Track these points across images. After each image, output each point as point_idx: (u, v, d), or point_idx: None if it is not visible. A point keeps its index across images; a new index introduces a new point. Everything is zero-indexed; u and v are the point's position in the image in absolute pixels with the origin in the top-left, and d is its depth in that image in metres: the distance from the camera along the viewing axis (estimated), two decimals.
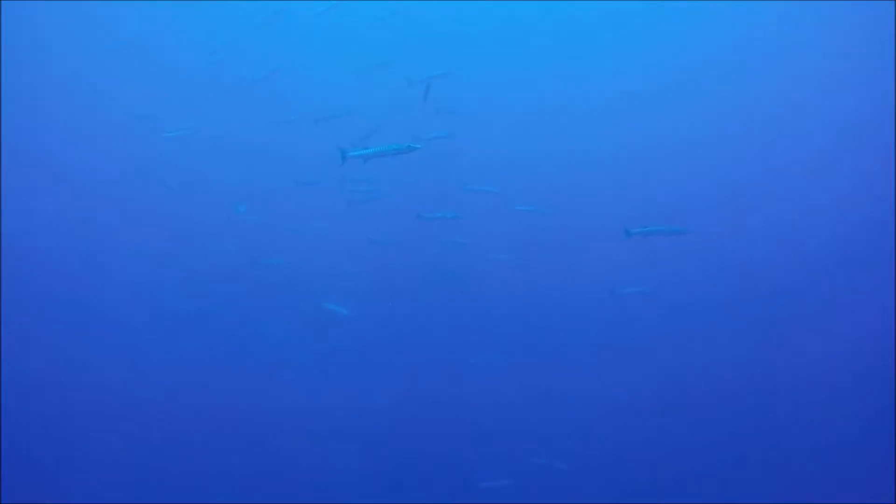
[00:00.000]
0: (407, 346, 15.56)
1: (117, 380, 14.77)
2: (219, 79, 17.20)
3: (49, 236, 16.82)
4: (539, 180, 17.16)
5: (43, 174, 17.14)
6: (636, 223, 10.55)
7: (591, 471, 13.18)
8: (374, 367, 15.26)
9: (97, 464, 13.20)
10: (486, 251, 15.40)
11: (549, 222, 14.27)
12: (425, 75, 13.25)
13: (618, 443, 13.79)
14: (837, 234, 16.32)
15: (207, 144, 17.10)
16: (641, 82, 18.53)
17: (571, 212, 16.02)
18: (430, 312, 15.75)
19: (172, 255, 16.82)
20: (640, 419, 14.16)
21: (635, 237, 10.46)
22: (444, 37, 18.46)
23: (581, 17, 19.12)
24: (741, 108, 17.68)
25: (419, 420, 14.47)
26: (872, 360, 13.82)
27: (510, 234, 15.72)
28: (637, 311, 15.23)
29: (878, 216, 15.33)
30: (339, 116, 14.53)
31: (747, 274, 16.03)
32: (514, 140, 18.18)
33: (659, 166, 17.66)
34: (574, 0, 18.61)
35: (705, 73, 18.08)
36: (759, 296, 15.65)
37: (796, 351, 14.77)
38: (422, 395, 14.79)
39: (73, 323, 15.63)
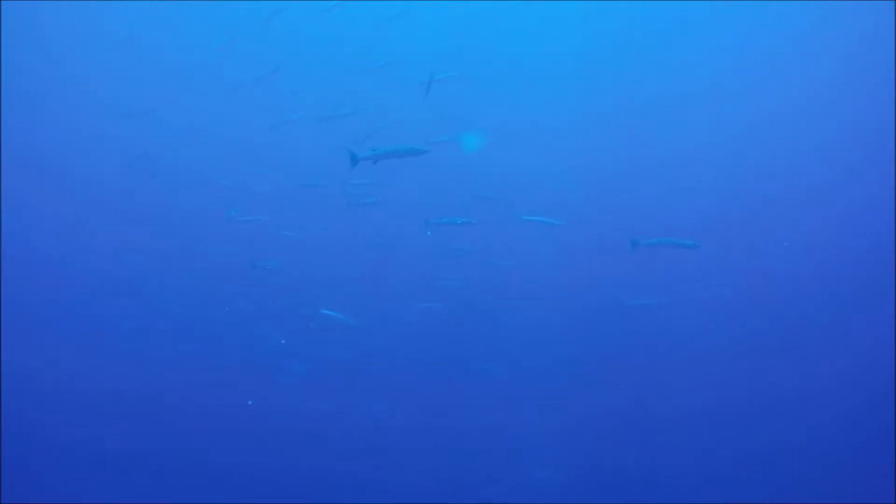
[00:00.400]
0: (408, 352, 15.61)
1: (117, 380, 14.76)
2: (218, 78, 17.11)
3: (48, 236, 16.76)
4: (547, 188, 17.18)
5: (42, 173, 17.05)
6: (645, 235, 10.60)
7: (592, 480, 13.28)
8: (374, 372, 15.30)
9: (97, 464, 13.17)
10: (491, 258, 15.43)
11: (556, 231, 14.26)
12: (430, 77, 13.14)
13: (621, 451, 13.92)
14: (844, 247, 16.44)
15: (207, 144, 17.04)
16: (651, 94, 18.49)
17: (578, 221, 16.01)
18: (432, 318, 15.77)
19: (172, 255, 16.79)
20: (644, 428, 14.28)
21: (641, 248, 10.51)
22: (452, 42, 18.36)
23: (592, 27, 19.03)
24: (748, 122, 17.71)
25: (420, 425, 14.54)
26: (875, 369, 13.99)
27: (514, 242, 15.74)
28: (644, 322, 15.32)
29: (882, 229, 15.44)
30: (341, 117, 14.47)
31: (754, 286, 16.14)
32: (522, 148, 18.15)
33: (666, 179, 17.69)
34: (584, 2, 18.52)
35: (713, 88, 18.07)
36: (765, 307, 15.77)
37: (799, 359, 14.94)
38: (423, 400, 14.86)
39: (73, 322, 15.60)
